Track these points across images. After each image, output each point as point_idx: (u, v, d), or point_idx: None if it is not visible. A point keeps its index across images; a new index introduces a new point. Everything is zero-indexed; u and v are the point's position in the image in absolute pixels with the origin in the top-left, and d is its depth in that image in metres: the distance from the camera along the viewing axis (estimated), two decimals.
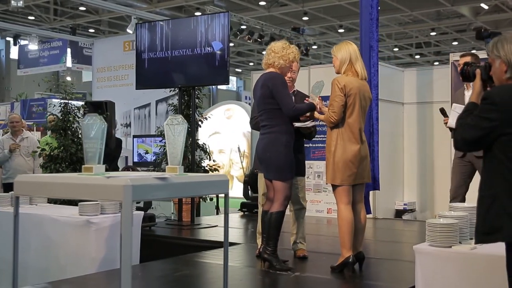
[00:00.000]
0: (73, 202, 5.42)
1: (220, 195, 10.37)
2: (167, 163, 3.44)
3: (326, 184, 4.66)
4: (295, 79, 5.02)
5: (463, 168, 5.25)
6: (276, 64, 4.52)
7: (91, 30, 21.07)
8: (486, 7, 16.56)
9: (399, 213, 8.65)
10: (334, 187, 4.38)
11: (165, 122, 3.26)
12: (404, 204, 8.72)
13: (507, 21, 18.12)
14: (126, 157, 10.52)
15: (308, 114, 4.59)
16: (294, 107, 4.42)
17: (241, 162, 11.60)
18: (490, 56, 2.49)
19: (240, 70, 29.16)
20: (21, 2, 11.83)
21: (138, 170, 7.72)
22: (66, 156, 6.53)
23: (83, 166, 3.15)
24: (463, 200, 5.28)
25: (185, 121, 3.26)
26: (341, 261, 4.34)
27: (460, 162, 5.26)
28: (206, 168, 8.01)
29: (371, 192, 6.96)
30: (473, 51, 7.95)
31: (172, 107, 8.12)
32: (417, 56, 24.70)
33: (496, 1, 15.59)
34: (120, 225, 2.79)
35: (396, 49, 23.09)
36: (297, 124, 4.65)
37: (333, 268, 4.41)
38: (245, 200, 8.81)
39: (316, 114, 4.57)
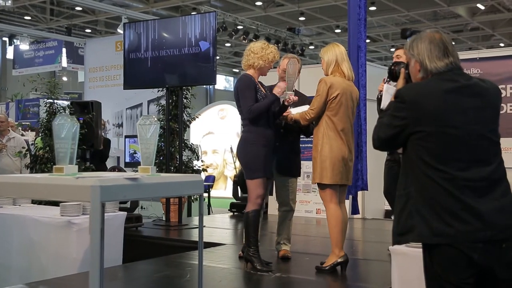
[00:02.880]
0: (57, 203, 5.40)
1: (212, 195, 10.38)
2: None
3: (313, 184, 4.61)
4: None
5: (391, 169, 5.10)
6: (256, 64, 4.51)
7: (88, 30, 21.06)
8: (482, 7, 16.54)
9: (388, 213, 8.61)
10: (323, 186, 4.37)
11: (138, 122, 3.23)
12: None
13: (503, 21, 18.10)
14: (118, 158, 10.52)
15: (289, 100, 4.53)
16: (250, 108, 4.40)
17: (234, 163, 11.58)
18: (407, 55, 2.46)
19: (237, 70, 29.14)
20: (10, 1, 11.78)
21: (125, 171, 7.70)
22: (51, 156, 6.50)
23: (54, 166, 3.12)
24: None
25: (158, 121, 3.23)
26: (334, 260, 4.34)
27: (388, 163, 5.16)
28: (195, 168, 7.99)
29: (359, 193, 6.92)
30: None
31: (161, 107, 8.10)
32: None
33: (492, 1, 15.56)
34: (89, 227, 2.75)
35: (393, 49, 23.02)
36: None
37: (323, 268, 4.37)
38: (235, 200, 8.79)
39: (293, 114, 4.55)
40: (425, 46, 2.36)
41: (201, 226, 3.41)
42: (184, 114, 7.45)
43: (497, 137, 2.34)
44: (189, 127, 8.08)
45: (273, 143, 4.54)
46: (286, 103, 4.53)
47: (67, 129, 3.12)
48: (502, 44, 20.16)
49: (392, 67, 2.86)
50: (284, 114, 4.64)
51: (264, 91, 4.58)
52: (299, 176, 5.13)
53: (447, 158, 2.23)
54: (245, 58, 4.57)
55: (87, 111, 6.62)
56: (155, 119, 3.22)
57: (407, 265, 3.39)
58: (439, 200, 2.21)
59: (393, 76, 2.80)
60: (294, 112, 4.66)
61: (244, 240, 4.95)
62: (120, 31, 12.78)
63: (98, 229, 2.75)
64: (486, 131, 2.29)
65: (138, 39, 7.04)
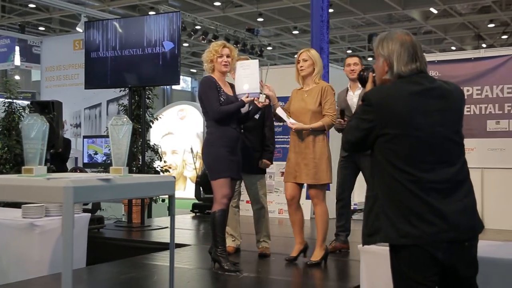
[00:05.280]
0: (17, 204, 5.27)
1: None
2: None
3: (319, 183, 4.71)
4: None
5: (346, 168, 5.25)
6: (210, 67, 4.62)
7: (41, 28, 20.56)
8: (435, 11, 16.97)
9: None
10: (323, 186, 4.67)
11: (110, 123, 3.20)
12: (354, 204, 8.81)
13: (455, 25, 18.64)
14: (76, 158, 10.32)
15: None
16: (219, 109, 4.44)
17: (194, 163, 11.54)
18: (375, 52, 2.46)
19: (195, 71, 29.00)
20: None
21: (86, 171, 7.57)
22: (10, 157, 6.34)
23: (23, 167, 3.05)
24: (349, 200, 5.37)
25: (130, 121, 3.21)
26: (323, 254, 4.68)
27: (345, 162, 5.27)
28: (157, 169, 7.93)
29: None
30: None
31: (123, 107, 8.00)
32: (370, 59, 25.10)
33: (445, 5, 15.99)
34: (61, 228, 2.70)
35: (349, 51, 23.41)
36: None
37: (316, 262, 4.62)
38: (197, 201, 8.77)
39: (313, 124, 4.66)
40: (395, 48, 2.37)
41: (172, 227, 3.41)
42: (146, 115, 7.38)
43: (460, 139, 2.40)
44: (151, 127, 8.01)
45: (237, 144, 4.56)
46: (260, 106, 4.56)
47: (36, 129, 3.07)
48: (453, 48, 20.75)
49: (362, 73, 2.89)
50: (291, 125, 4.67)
51: (231, 93, 4.60)
52: (265, 173, 5.19)
53: (412, 160, 2.27)
54: (205, 67, 4.70)
55: (47, 111, 6.48)
56: (127, 119, 3.20)
57: (375, 263, 3.46)
58: (405, 201, 2.25)
59: (363, 81, 2.82)
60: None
61: (229, 239, 5.03)
62: (79, 29, 12.56)
63: (71, 231, 2.71)
64: (450, 132, 2.34)
65: (100, 38, 6.94)
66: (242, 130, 4.94)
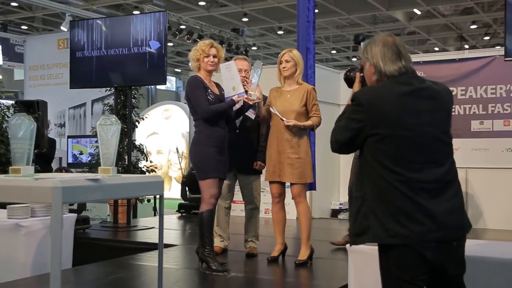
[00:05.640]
0: (1, 205, 5.22)
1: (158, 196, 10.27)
2: None
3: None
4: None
5: (357, 166, 5.32)
6: (196, 66, 4.62)
7: (24, 27, 20.34)
8: (419, 12, 17.10)
9: (335, 213, 8.81)
10: (305, 185, 4.73)
11: (98, 123, 3.19)
12: (340, 204, 8.88)
13: (438, 26, 18.80)
14: (60, 158, 10.23)
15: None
16: (209, 108, 4.44)
17: (180, 163, 11.51)
18: (362, 58, 2.52)
19: (179, 70, 28.90)
20: None
21: (72, 172, 7.52)
22: None
23: (10, 167, 3.03)
24: None
25: (119, 121, 3.20)
26: (309, 252, 4.73)
27: (357, 162, 5.33)
28: (143, 169, 7.90)
29: (308, 192, 7.03)
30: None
31: (108, 107, 7.96)
32: (354, 59, 25.24)
33: (428, 7, 16.12)
34: (50, 229, 2.69)
35: (333, 52, 23.51)
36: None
37: (304, 261, 4.68)
38: (183, 201, 8.75)
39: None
40: (378, 49, 2.41)
41: (161, 227, 3.40)
42: (132, 114, 7.35)
43: (449, 139, 2.43)
44: (137, 127, 7.98)
45: (225, 143, 4.56)
46: (251, 103, 4.59)
47: (24, 129, 3.05)
48: (436, 48, 20.93)
49: (348, 73, 2.91)
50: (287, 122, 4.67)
51: (218, 92, 4.60)
52: (261, 173, 5.19)
53: (401, 160, 2.29)
54: (191, 65, 4.69)
55: (32, 111, 6.41)
56: (116, 119, 3.19)
57: (363, 262, 3.48)
58: (394, 201, 2.27)
59: (349, 82, 2.84)
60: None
61: (216, 238, 5.02)
62: (63, 28, 12.46)
63: (59, 231, 2.71)
64: (439, 133, 2.37)
65: (85, 37, 6.90)
66: (238, 131, 4.96)
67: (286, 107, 4.69)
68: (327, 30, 19.62)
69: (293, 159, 4.62)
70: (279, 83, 4.88)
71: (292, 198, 4.79)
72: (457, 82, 7.24)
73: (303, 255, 4.70)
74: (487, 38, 19.22)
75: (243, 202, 5.24)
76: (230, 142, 4.75)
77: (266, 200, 7.78)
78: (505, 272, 3.10)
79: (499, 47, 11.01)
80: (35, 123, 3.13)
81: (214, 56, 4.56)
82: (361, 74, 2.59)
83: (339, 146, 2.47)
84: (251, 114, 4.86)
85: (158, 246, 3.39)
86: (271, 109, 4.70)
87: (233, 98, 4.50)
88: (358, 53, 23.70)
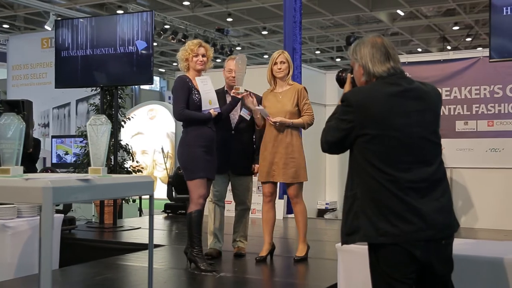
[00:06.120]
0: None
1: (143, 196, 10.23)
2: (89, 164, 3.35)
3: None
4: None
5: None
6: (185, 66, 4.63)
7: (5, 26, 20.11)
8: (402, 13, 17.23)
9: (321, 212, 8.85)
10: (300, 184, 4.77)
11: (88, 122, 3.16)
12: (326, 204, 8.93)
13: (421, 27, 18.96)
14: (44, 158, 10.14)
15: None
16: (183, 111, 4.47)
17: (165, 163, 11.47)
18: (351, 60, 2.54)
19: (163, 70, 28.78)
20: None
21: (57, 172, 7.46)
22: None
23: None
24: None
25: (109, 121, 3.18)
26: (307, 249, 4.85)
27: None
28: (129, 169, 7.86)
29: None
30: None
31: (94, 107, 7.91)
32: (338, 59, 25.35)
33: (411, 8, 16.25)
34: (39, 230, 2.66)
35: (318, 52, 23.59)
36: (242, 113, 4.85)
37: (303, 258, 4.79)
38: (169, 201, 8.72)
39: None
40: (367, 50, 2.44)
41: (151, 228, 3.39)
42: (118, 114, 7.32)
43: (438, 139, 2.47)
44: (123, 127, 7.94)
45: (213, 143, 4.56)
46: (240, 97, 4.65)
47: (13, 129, 3.02)
48: (419, 49, 21.11)
49: (340, 74, 2.93)
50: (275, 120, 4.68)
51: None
52: (254, 175, 5.18)
53: (390, 160, 2.32)
54: (179, 66, 4.69)
55: (17, 111, 6.34)
56: (106, 119, 3.17)
57: (353, 261, 3.50)
58: (384, 201, 2.30)
59: (341, 82, 2.86)
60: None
61: (211, 239, 5.01)
62: (47, 28, 12.33)
63: (50, 232, 2.68)
64: (427, 133, 2.40)
65: (70, 37, 6.85)
66: (233, 132, 4.95)
67: (278, 108, 4.72)
68: (311, 30, 19.68)
69: (288, 159, 4.66)
70: (268, 84, 4.90)
71: (281, 199, 4.83)
72: (442, 83, 7.32)
73: (302, 251, 4.82)
74: (469, 39, 19.43)
75: (231, 202, 5.24)
76: (225, 143, 4.76)
77: (253, 200, 7.79)
78: (491, 270, 3.14)
79: (481, 48, 11.15)
80: (24, 123, 3.10)
81: (203, 55, 4.59)
82: (352, 76, 2.61)
83: (329, 146, 2.50)
84: (246, 115, 4.86)
85: (148, 246, 3.37)
86: (257, 108, 4.72)
87: (211, 112, 4.52)
88: (347, 54, 23.85)
